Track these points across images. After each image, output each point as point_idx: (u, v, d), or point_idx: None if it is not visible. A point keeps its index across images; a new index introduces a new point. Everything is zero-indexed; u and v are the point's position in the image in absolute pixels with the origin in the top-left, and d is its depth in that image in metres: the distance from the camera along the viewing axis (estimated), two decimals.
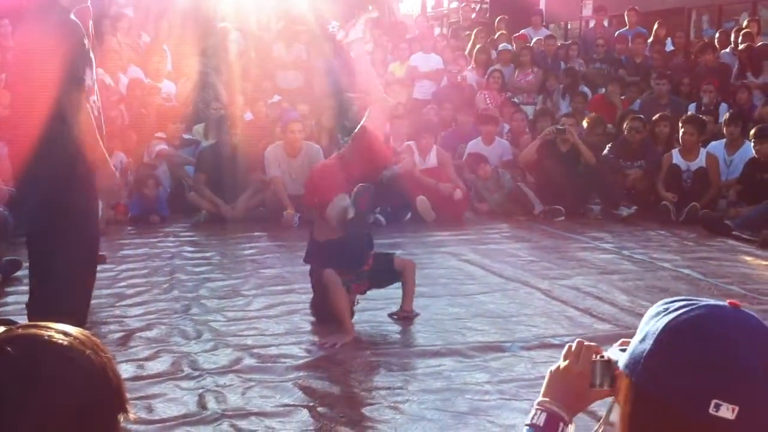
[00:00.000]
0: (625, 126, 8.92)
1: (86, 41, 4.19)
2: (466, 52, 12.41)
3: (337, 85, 10.56)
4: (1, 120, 7.01)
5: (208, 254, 6.76)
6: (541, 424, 1.43)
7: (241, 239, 7.33)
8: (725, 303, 1.16)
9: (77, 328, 1.21)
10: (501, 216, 8.50)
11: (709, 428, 1.08)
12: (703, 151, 8.63)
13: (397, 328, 4.86)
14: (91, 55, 4.27)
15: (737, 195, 8.34)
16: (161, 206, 8.23)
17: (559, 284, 5.80)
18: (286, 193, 8.13)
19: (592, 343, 1.46)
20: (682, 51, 12.31)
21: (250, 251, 6.86)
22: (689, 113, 9.37)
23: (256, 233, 7.58)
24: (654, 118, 9.33)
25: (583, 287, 5.73)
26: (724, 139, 8.90)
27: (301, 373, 4.10)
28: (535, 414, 1.45)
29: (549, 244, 7.34)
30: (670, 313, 1.15)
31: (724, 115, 9.32)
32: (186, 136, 9.29)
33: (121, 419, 1.20)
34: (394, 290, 5.61)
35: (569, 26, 18.47)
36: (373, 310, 5.14)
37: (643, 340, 1.16)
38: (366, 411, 3.68)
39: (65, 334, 1.17)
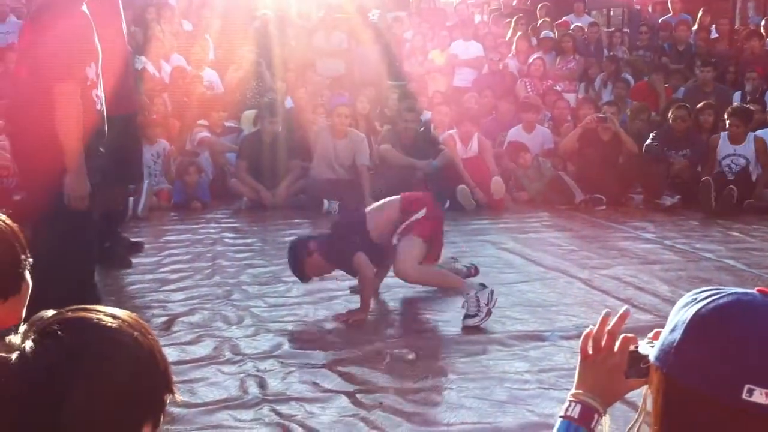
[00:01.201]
0: (670, 114, 8.80)
1: (95, 34, 4.19)
2: (507, 40, 12.33)
3: (378, 73, 10.58)
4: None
5: (249, 241, 6.83)
6: (576, 416, 1.43)
7: (281, 226, 7.39)
8: (754, 290, 1.15)
9: (125, 311, 1.24)
10: (541, 205, 8.46)
11: (744, 414, 1.07)
12: (750, 136, 8.47)
13: (436, 317, 4.88)
14: (99, 48, 4.27)
15: None
16: (203, 193, 8.33)
17: (600, 274, 5.76)
18: (326, 177, 8.19)
19: (630, 334, 1.45)
20: (727, 38, 12.07)
21: (291, 238, 6.90)
22: (735, 104, 9.18)
23: (296, 220, 7.63)
24: (698, 106, 9.18)
25: (623, 277, 5.68)
26: None
27: (340, 359, 4.14)
28: (570, 406, 1.45)
29: (590, 233, 7.29)
30: (698, 302, 1.15)
31: None
32: (228, 124, 9.39)
33: (168, 399, 1.24)
34: None
35: (611, 13, 18.22)
36: (412, 298, 5.16)
37: (672, 330, 1.15)
38: (405, 398, 3.70)
39: (114, 317, 1.20)
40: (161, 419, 1.22)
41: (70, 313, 1.20)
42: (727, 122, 8.46)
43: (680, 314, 1.16)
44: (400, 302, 5.07)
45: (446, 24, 12.95)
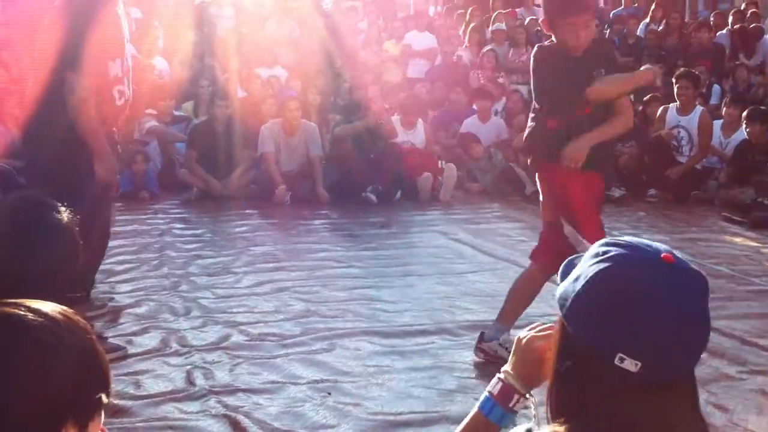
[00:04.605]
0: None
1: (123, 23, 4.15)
2: (461, 31, 12.36)
3: (331, 63, 10.53)
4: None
5: (198, 231, 6.75)
6: (495, 393, 1.51)
7: (232, 216, 7.32)
8: (661, 255, 1.20)
9: (54, 305, 1.19)
10: (493, 196, 8.50)
11: (614, 376, 1.15)
12: (698, 108, 8.63)
13: (386, 306, 4.87)
14: (126, 39, 4.23)
15: (728, 177, 8.34)
16: (151, 183, 8.20)
17: None
18: (279, 170, 8.11)
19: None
20: (677, 32, 12.26)
21: (241, 228, 6.85)
22: (682, 69, 9.35)
23: (247, 211, 7.57)
24: (645, 99, 9.33)
25: None
26: (721, 121, 8.89)
27: (288, 351, 4.11)
28: (494, 382, 1.52)
29: (540, 224, 7.32)
30: (604, 261, 1.20)
31: (725, 97, 9.33)
32: (177, 113, 9.26)
33: (103, 399, 1.19)
34: (384, 269, 5.63)
35: None
36: (362, 289, 5.15)
37: (576, 280, 1.22)
38: (353, 388, 3.69)
39: (39, 313, 1.15)
40: (91, 418, 1.17)
41: None
42: (676, 86, 8.63)
43: (586, 266, 1.21)
44: (350, 293, 5.06)
45: (399, 15, 12.95)
